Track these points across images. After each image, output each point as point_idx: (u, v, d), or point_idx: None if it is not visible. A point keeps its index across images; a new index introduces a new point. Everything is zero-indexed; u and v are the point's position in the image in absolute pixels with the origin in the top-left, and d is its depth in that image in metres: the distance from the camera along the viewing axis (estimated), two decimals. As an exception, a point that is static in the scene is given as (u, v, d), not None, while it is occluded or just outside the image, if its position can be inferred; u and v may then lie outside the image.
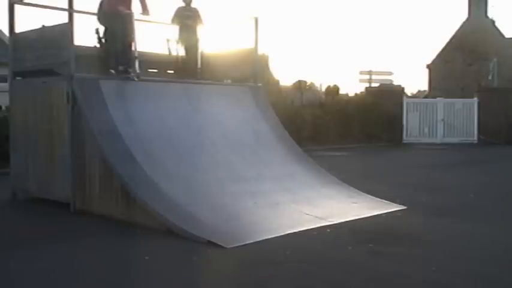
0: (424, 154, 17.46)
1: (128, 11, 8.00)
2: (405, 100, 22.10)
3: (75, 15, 7.40)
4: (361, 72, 24.34)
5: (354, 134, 20.17)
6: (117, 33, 8.02)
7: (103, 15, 8.20)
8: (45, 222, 6.89)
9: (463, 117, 21.47)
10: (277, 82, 25.94)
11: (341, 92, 25.95)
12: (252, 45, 9.50)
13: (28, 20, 8.63)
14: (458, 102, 21.96)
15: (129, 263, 5.15)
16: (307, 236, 5.96)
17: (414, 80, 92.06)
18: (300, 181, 8.02)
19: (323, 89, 27.90)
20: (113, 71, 7.93)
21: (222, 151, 7.97)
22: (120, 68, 7.96)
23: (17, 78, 8.34)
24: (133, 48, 8.11)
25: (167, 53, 9.55)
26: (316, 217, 6.69)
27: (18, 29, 8.25)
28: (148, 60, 8.91)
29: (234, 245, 5.52)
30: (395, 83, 24.91)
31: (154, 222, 6.12)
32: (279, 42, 67.50)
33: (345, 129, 19.95)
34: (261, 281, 4.60)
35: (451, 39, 31.42)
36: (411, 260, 5.13)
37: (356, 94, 25.61)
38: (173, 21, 9.43)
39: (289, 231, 6.06)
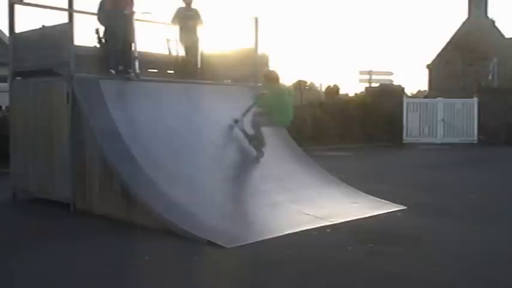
0: (424, 154, 17.45)
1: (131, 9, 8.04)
2: (405, 100, 22.06)
3: (75, 15, 7.40)
4: (361, 72, 24.32)
5: (354, 134, 20.14)
6: (117, 33, 8.02)
7: (103, 15, 8.20)
8: (45, 222, 6.88)
9: (463, 117, 21.44)
10: (277, 82, 25.88)
11: (341, 92, 26.02)
12: (252, 45, 9.51)
13: (28, 20, 8.64)
14: (458, 102, 21.93)
15: (129, 263, 5.15)
16: (307, 236, 5.96)
17: (414, 80, 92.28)
18: (300, 181, 8.01)
19: (323, 89, 27.95)
20: (113, 71, 7.93)
21: (222, 151, 7.96)
22: (120, 68, 7.96)
23: (17, 78, 8.34)
24: (133, 48, 8.12)
25: (167, 53, 9.55)
26: (316, 217, 6.69)
27: (18, 29, 8.24)
28: (148, 60, 8.91)
29: (234, 245, 5.51)
30: (395, 83, 24.91)
31: (154, 222, 6.12)
32: (279, 42, 67.59)
33: (345, 129, 19.93)
34: (261, 281, 4.60)
35: (451, 39, 31.39)
36: (411, 260, 5.13)
37: (356, 94, 25.64)
38: (174, 21, 9.42)
39: (289, 231, 6.05)
